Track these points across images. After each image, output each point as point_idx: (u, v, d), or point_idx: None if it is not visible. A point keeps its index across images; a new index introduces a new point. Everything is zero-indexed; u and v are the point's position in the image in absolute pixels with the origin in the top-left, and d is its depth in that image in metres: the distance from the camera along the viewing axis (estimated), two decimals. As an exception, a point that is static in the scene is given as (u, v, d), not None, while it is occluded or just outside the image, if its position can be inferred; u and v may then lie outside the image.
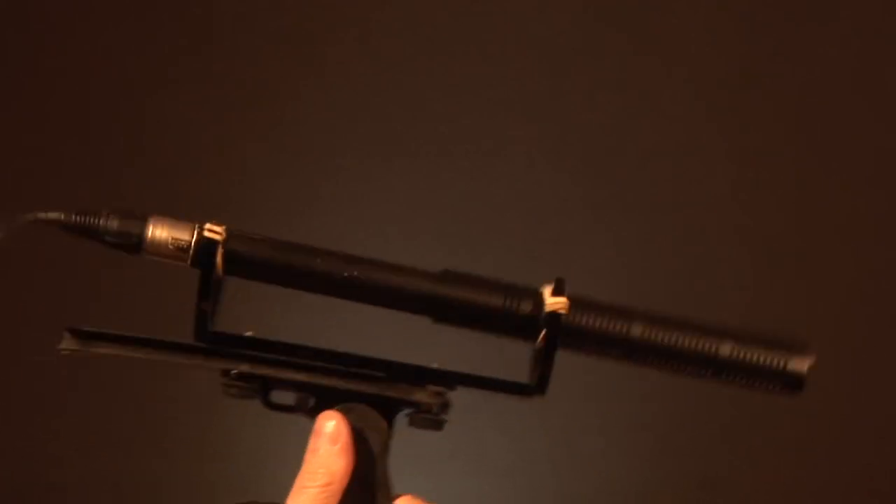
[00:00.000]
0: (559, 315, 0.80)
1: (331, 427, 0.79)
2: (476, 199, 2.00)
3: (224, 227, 0.81)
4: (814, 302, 1.96)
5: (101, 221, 0.81)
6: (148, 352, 0.83)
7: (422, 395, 0.81)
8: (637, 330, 0.81)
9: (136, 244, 0.81)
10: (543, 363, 0.80)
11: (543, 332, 0.80)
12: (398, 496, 0.80)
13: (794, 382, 0.83)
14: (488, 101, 2.02)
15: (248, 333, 0.84)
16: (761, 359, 0.81)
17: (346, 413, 0.80)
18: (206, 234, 0.80)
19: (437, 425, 0.82)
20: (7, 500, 2.00)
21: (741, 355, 0.81)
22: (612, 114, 2.00)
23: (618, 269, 1.93)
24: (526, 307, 0.81)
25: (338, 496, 0.78)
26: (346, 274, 0.81)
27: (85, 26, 2.07)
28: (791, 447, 1.96)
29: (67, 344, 0.84)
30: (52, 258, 1.98)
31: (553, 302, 0.80)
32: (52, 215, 0.82)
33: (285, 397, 0.82)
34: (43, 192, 2.05)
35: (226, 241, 0.80)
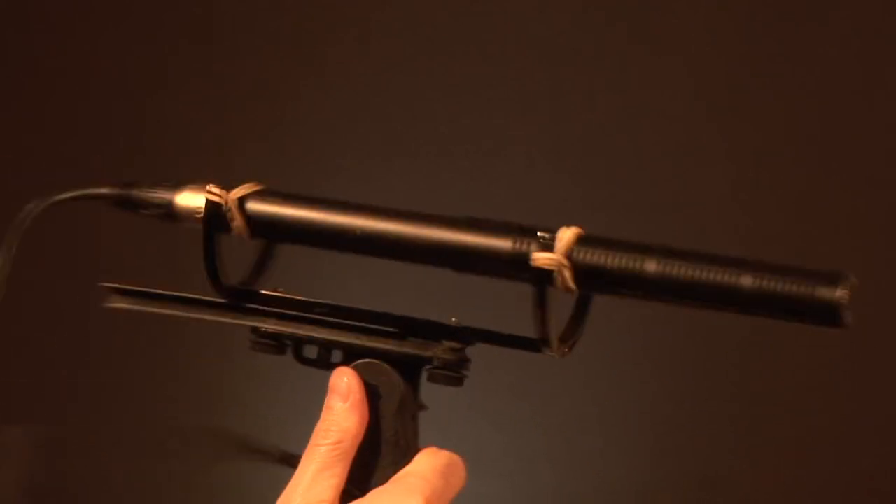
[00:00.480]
0: (547, 272, 0.76)
1: (342, 384, 0.79)
2: (476, 199, 1.99)
3: (218, 197, 0.81)
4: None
5: (135, 193, 0.84)
6: (181, 309, 0.84)
7: (438, 350, 0.80)
8: (651, 266, 0.77)
9: (168, 215, 0.83)
10: (540, 318, 0.77)
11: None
12: (421, 448, 0.80)
13: (825, 312, 0.73)
14: (488, 101, 2.02)
15: (279, 291, 0.85)
16: (786, 288, 0.74)
17: (360, 370, 0.79)
18: (210, 196, 0.82)
19: (457, 381, 0.80)
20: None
21: (764, 284, 0.75)
22: (612, 114, 2.00)
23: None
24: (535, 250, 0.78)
25: (350, 454, 0.77)
26: (357, 232, 0.81)
27: (85, 26, 2.07)
28: (791, 447, 1.96)
29: (115, 302, 0.84)
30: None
31: (539, 258, 0.77)
32: (103, 191, 0.85)
33: (311, 351, 0.83)
34: (42, 192, 2.05)
35: (238, 205, 0.81)
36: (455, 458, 0.79)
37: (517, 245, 0.78)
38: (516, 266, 0.78)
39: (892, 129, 1.97)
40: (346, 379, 0.79)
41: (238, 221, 0.82)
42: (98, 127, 2.06)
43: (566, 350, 0.80)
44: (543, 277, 0.77)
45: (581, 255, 0.78)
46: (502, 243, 0.78)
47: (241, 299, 0.83)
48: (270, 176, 2.09)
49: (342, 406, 0.78)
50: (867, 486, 1.95)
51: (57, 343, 2.04)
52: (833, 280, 0.74)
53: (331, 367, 0.81)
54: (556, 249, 0.77)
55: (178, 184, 0.83)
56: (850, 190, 1.97)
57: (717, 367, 1.97)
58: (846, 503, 1.96)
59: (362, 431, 0.78)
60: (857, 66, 1.97)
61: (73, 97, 2.07)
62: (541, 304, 0.77)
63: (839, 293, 0.74)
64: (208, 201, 0.81)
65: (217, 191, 0.81)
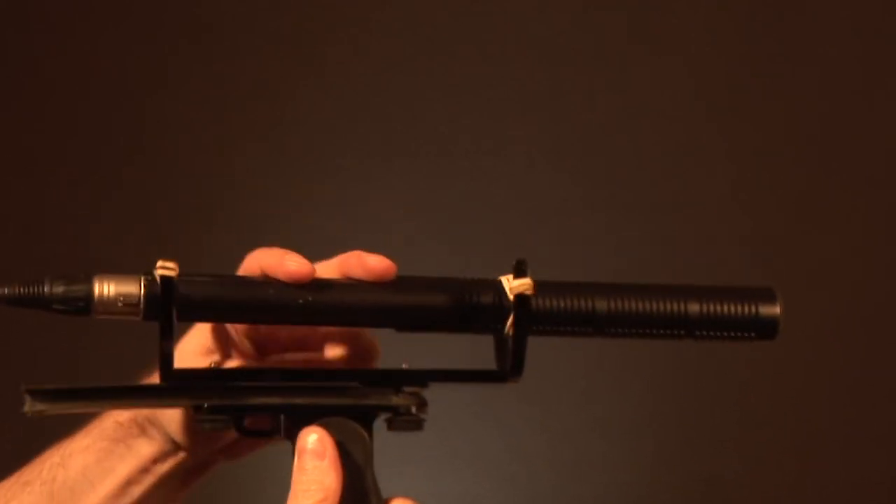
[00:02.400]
0: (527, 297, 0.79)
1: (314, 442, 0.78)
2: (476, 199, 2.00)
3: (172, 271, 0.78)
4: (815, 303, 1.96)
5: (45, 290, 0.78)
6: (114, 402, 0.82)
7: (397, 399, 0.80)
8: (602, 304, 0.80)
9: (84, 307, 0.78)
10: (517, 346, 0.79)
11: (511, 318, 0.79)
12: (390, 499, 0.80)
13: (768, 327, 0.81)
14: (488, 101, 2.02)
15: (212, 364, 0.84)
16: (731, 310, 0.81)
17: (325, 427, 0.79)
18: (154, 285, 0.78)
19: (418, 425, 0.81)
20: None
21: (711, 310, 0.81)
22: (612, 114, 2.00)
23: (618, 269, 1.93)
24: (487, 298, 0.80)
25: None
26: (300, 301, 0.80)
27: (85, 26, 2.07)
28: (792, 450, 1.96)
29: (32, 406, 0.80)
30: None
31: (518, 284, 0.80)
32: (5, 291, 0.78)
33: (260, 423, 0.81)
34: (43, 192, 2.05)
35: (176, 289, 0.78)
36: None
37: (493, 296, 0.80)
38: (494, 311, 0.80)
39: (892, 129, 1.97)
40: (317, 437, 0.78)
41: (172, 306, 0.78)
42: (98, 127, 2.06)
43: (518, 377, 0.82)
44: (524, 303, 0.79)
45: (537, 301, 0.80)
46: (485, 297, 0.80)
47: (189, 381, 0.81)
48: (271, 176, 2.08)
49: (319, 464, 0.77)
50: (868, 489, 1.95)
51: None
52: (770, 298, 0.81)
53: (292, 433, 0.79)
54: (514, 288, 0.80)
55: (89, 275, 0.79)
56: (850, 190, 1.97)
57: (718, 370, 1.97)
58: (846, 503, 1.96)
59: (340, 489, 0.78)
60: (857, 66, 1.97)
61: (73, 97, 2.07)
62: (523, 331, 0.79)
63: (779, 308, 0.81)
64: (164, 277, 0.77)
65: (170, 265, 0.78)
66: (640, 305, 0.80)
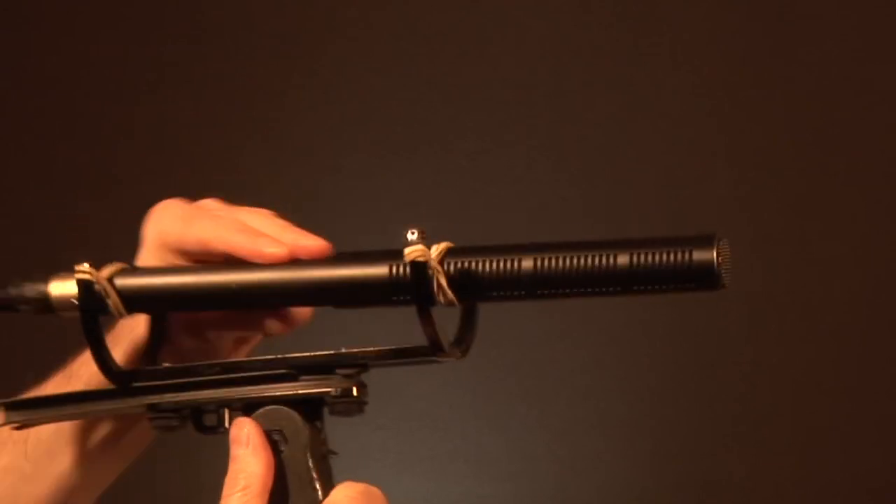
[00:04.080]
0: (421, 263, 0.75)
1: (239, 432, 0.79)
2: (476, 199, 2.00)
3: (98, 270, 0.80)
4: (815, 303, 1.96)
5: (11, 292, 0.82)
6: (78, 407, 0.83)
7: (335, 383, 0.80)
8: (528, 263, 0.75)
9: (45, 307, 0.82)
10: (424, 320, 0.76)
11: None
12: (336, 485, 0.79)
13: (704, 275, 0.75)
14: (488, 101, 2.02)
15: (165, 365, 0.84)
16: (663, 258, 0.74)
17: (259, 417, 0.79)
18: (80, 275, 0.80)
19: (359, 408, 0.80)
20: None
21: (641, 261, 0.74)
22: (612, 114, 2.00)
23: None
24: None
25: (261, 498, 0.77)
26: (234, 285, 0.80)
27: (84, 26, 2.08)
28: (791, 449, 1.96)
29: (10, 418, 0.83)
30: None
31: (410, 251, 0.76)
32: None
33: (210, 419, 0.82)
34: (43, 192, 2.05)
35: (108, 282, 0.80)
36: (372, 488, 0.78)
37: (394, 267, 0.78)
38: (397, 286, 0.78)
39: (893, 129, 1.97)
40: (245, 428, 0.79)
41: (113, 298, 0.80)
42: (97, 127, 2.06)
43: (460, 354, 0.79)
44: (420, 272, 0.75)
45: (455, 265, 0.77)
46: (379, 269, 0.78)
47: (131, 381, 0.82)
48: (271, 175, 2.09)
49: (244, 452, 0.78)
50: (868, 488, 1.95)
51: None
52: (707, 242, 0.75)
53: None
54: (428, 256, 0.76)
55: (49, 274, 0.82)
56: (850, 190, 1.97)
57: (718, 370, 1.97)
58: (846, 503, 1.96)
59: (270, 474, 0.78)
60: (857, 66, 1.97)
61: (72, 97, 2.07)
62: (422, 299, 0.76)
63: (714, 253, 0.75)
64: (80, 281, 0.80)
65: (86, 268, 0.80)
66: (569, 263, 0.74)
